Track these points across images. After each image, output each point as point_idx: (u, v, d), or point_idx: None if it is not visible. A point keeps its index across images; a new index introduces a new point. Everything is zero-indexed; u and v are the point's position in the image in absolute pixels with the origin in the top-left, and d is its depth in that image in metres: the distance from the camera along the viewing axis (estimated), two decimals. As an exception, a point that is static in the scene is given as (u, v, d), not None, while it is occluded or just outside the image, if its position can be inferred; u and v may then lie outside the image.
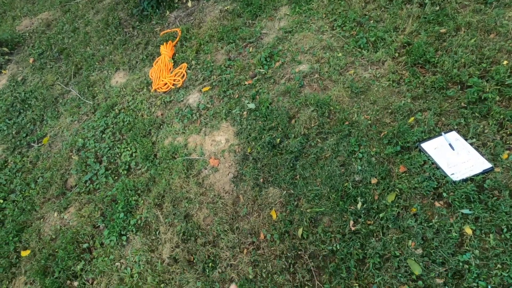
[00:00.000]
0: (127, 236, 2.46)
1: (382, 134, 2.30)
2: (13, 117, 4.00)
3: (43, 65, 4.55)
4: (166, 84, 3.48)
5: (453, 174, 1.95)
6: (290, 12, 3.57)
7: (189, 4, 4.28)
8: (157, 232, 2.40)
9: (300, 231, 2.07)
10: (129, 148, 3.04)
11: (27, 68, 4.66)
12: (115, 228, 2.50)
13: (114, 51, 4.22)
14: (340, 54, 2.92)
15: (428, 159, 2.06)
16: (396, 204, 1.97)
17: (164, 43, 3.85)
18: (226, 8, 3.98)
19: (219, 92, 3.11)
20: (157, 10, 4.40)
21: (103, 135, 3.27)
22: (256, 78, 3.09)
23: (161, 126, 3.12)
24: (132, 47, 4.14)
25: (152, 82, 3.59)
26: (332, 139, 2.39)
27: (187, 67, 3.54)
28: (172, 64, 3.67)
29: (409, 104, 2.38)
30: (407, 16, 2.95)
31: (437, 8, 2.90)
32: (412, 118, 2.31)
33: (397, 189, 2.03)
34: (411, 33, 2.83)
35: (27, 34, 5.29)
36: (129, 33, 4.41)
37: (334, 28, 3.19)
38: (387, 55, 2.75)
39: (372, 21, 3.07)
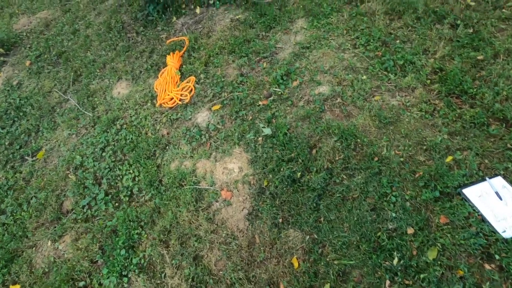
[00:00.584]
0: (129, 277, 2.15)
1: (417, 175, 2.00)
2: (6, 125, 3.61)
3: (40, 69, 4.16)
4: (172, 99, 3.13)
5: (504, 231, 1.67)
6: (307, 25, 3.24)
7: (198, 11, 3.92)
8: (163, 275, 2.09)
9: (327, 287, 1.78)
10: (131, 171, 2.70)
11: (23, 71, 4.25)
12: (115, 267, 2.17)
13: (117, 58, 3.85)
14: (364, 77, 2.61)
15: (474, 210, 1.78)
16: (439, 263, 1.69)
17: (171, 53, 3.49)
18: (237, 17, 3.64)
19: (231, 112, 2.78)
20: (163, 16, 4.04)
21: (103, 154, 2.92)
22: (271, 98, 2.77)
23: (167, 147, 2.78)
24: (135, 54, 3.77)
25: (157, 95, 3.24)
26: (359, 177, 2.09)
27: (195, 81, 3.20)
28: (179, 76, 3.32)
29: (446, 141, 2.09)
30: (437, 38, 2.65)
31: (471, 30, 2.60)
32: (450, 158, 2.02)
33: (438, 244, 1.74)
34: (443, 58, 2.53)
35: (25, 34, 4.86)
36: (132, 39, 4.04)
37: (357, 46, 2.87)
38: (418, 81, 2.45)
39: (398, 41, 2.76)
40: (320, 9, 3.30)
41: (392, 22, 2.94)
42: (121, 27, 4.25)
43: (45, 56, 4.35)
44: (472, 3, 2.76)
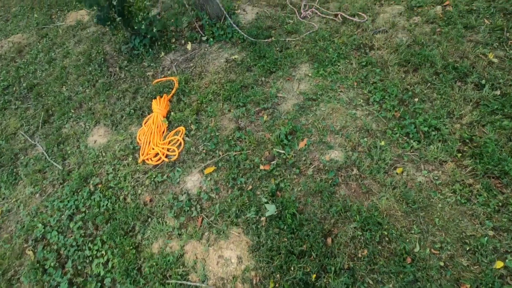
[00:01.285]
0: None
1: (463, 288, 1.57)
2: (-42, 175, 2.96)
3: (7, 104, 3.50)
4: (157, 154, 2.59)
5: None
6: (312, 73, 2.80)
7: (189, 47, 3.42)
8: None
9: None
10: (104, 252, 2.11)
11: (-13, 106, 3.60)
12: None
13: (95, 96, 3.27)
14: (382, 143, 2.18)
15: None
16: None
17: (158, 97, 2.95)
18: (233, 57, 3.16)
19: (227, 178, 2.27)
20: (150, 50, 3.50)
21: (71, 224, 2.31)
22: (274, 162, 2.28)
23: (149, 220, 2.22)
24: (117, 94, 3.20)
25: (139, 148, 2.69)
26: (391, 286, 1.63)
27: (185, 133, 2.68)
28: (166, 125, 2.79)
29: (493, 240, 1.67)
30: (462, 99, 2.26)
31: (498, 92, 2.23)
32: (501, 264, 1.59)
33: None
34: (471, 124, 2.14)
35: (-7, 60, 4.21)
36: (115, 74, 3.47)
37: (370, 103, 2.44)
38: (446, 153, 2.04)
39: (417, 100, 2.36)
40: (325, 54, 2.87)
41: (407, 75, 2.54)
42: (102, 59, 3.68)
43: (14, 88, 3.70)
44: (495, 60, 2.41)
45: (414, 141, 2.11)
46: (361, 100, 2.44)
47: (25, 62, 4.04)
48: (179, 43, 3.52)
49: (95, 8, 3.20)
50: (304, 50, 2.95)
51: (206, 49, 3.33)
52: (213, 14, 3.32)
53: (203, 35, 3.37)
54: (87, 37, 4.14)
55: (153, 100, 2.90)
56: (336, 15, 3.21)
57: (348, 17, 3.12)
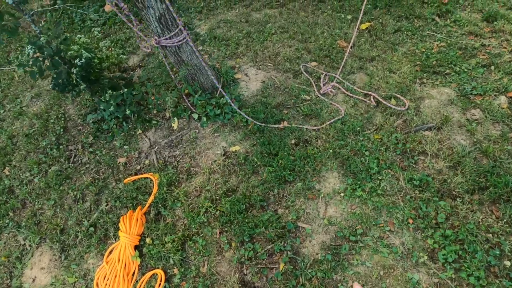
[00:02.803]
0: None
1: None
2: None
3: None
4: (121, 325, 1.62)
5: None
6: (344, 190, 1.89)
7: (174, 125, 2.43)
8: None
9: None
10: None
11: None
12: None
13: (45, 193, 2.21)
14: None
15: None
16: None
17: (129, 212, 1.95)
18: (233, 149, 2.20)
19: None
20: (123, 124, 2.50)
21: None
22: None
23: None
24: (74, 193, 2.16)
25: (96, 304, 1.71)
26: None
27: (164, 284, 1.72)
28: (138, 263, 1.82)
29: None
30: None
31: None
32: None
33: None
34: None
35: None
36: (75, 156, 2.43)
37: (439, 261, 1.58)
38: None
39: (509, 264, 1.52)
40: (360, 159, 1.98)
41: (482, 208, 1.69)
42: (62, 129, 2.62)
43: None
44: None
45: None
46: (425, 256, 1.55)
47: (-36, 121, 2.93)
48: (162, 116, 2.51)
49: (50, 73, 2.17)
50: (330, 150, 2.03)
51: (197, 131, 2.34)
52: (208, 85, 2.36)
53: (194, 111, 2.39)
54: (48, 90, 3.06)
55: (121, 218, 1.91)
56: (366, 96, 2.32)
57: (383, 101, 2.24)
